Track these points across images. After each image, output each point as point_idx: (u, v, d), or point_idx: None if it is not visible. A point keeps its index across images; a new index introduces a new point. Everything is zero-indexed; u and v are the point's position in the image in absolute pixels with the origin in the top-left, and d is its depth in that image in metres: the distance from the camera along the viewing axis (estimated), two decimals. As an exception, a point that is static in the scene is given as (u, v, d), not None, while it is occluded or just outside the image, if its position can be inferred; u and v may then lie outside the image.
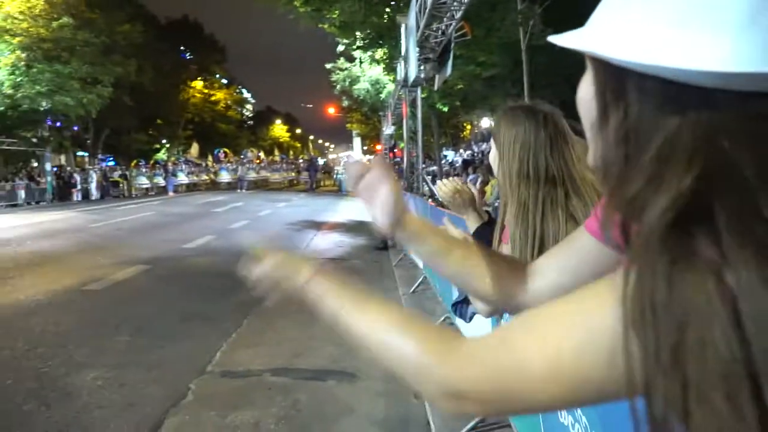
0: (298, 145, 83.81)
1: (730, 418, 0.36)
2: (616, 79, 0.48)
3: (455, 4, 6.72)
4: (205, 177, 34.36)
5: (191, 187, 32.38)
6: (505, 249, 1.41)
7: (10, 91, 19.99)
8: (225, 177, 33.80)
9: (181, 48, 43.77)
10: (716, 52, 0.42)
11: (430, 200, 8.15)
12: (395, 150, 24.37)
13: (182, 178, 31.88)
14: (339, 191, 30.42)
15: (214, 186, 33.53)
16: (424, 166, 17.00)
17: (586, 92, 0.54)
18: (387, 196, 0.87)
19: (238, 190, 31.08)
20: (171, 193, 28.56)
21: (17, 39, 20.11)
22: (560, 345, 0.50)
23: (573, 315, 0.52)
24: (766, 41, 0.41)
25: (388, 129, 22.85)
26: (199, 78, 45.92)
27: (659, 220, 0.42)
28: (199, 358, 4.18)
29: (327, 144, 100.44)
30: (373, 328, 0.65)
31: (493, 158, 1.44)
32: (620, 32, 0.47)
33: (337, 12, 13.60)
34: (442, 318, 4.58)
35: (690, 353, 0.39)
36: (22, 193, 21.50)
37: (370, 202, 0.89)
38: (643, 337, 0.42)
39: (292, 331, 4.72)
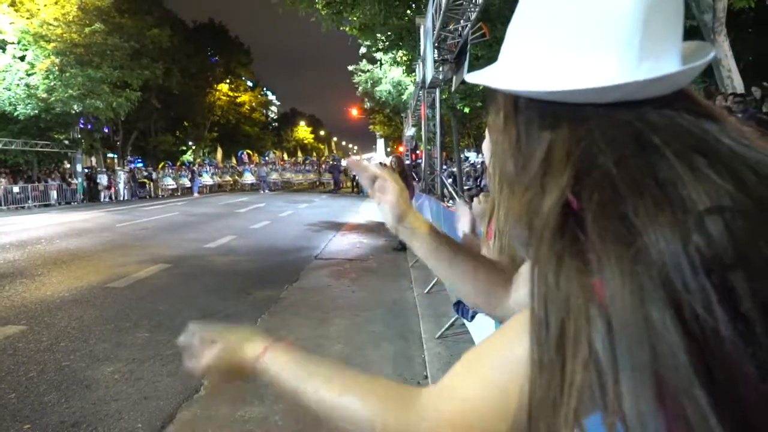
0: (322, 146, 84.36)
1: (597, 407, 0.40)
2: (510, 104, 0.56)
3: (471, 5, 6.72)
4: (228, 178, 34.87)
5: (215, 188, 32.94)
6: (491, 244, 1.43)
7: (44, 95, 20.64)
8: (248, 178, 34.26)
9: (208, 51, 44.49)
10: (598, 71, 0.48)
11: (445, 202, 8.16)
12: (417, 151, 24.34)
13: (207, 180, 32.43)
14: (360, 192, 30.61)
15: (237, 187, 34.04)
16: (445, 167, 16.99)
17: (491, 119, 0.61)
18: (391, 194, 0.91)
19: (261, 191, 31.50)
20: (196, 194, 29.10)
21: (52, 45, 20.77)
22: (491, 383, 0.53)
23: (497, 351, 0.55)
24: (633, 55, 0.47)
25: (409, 130, 22.86)
26: (225, 80, 46.61)
27: (546, 222, 0.46)
28: (213, 354, 4.28)
29: (351, 145, 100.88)
30: (336, 400, 0.63)
31: (485, 150, 1.46)
32: (509, 64, 0.56)
33: (357, 15, 13.69)
34: (454, 318, 4.60)
35: (568, 347, 0.42)
36: (54, 194, 22.20)
37: (380, 201, 0.93)
38: (536, 334, 0.46)
39: (305, 329, 4.79)
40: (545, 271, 0.45)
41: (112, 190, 25.03)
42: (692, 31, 13.00)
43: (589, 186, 0.44)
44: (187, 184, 30.42)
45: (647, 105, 0.48)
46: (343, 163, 36.47)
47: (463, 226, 1.65)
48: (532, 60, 0.53)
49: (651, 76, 0.46)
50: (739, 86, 9.60)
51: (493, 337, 0.57)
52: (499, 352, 0.54)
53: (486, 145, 1.50)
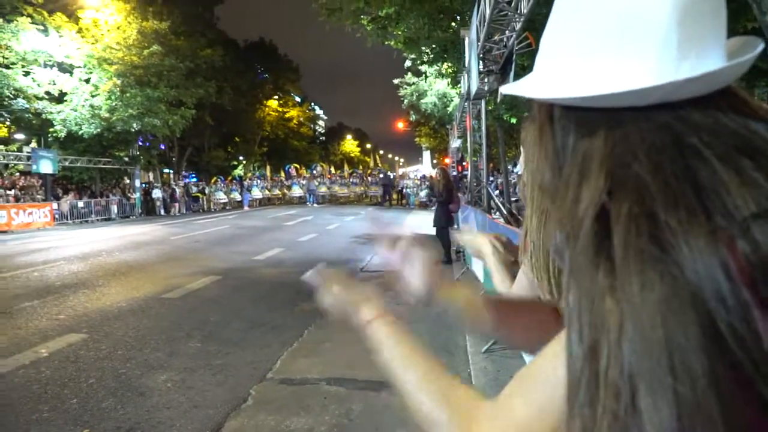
0: (368, 159, 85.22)
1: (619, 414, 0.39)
2: (546, 113, 0.56)
3: (516, 15, 6.65)
4: (277, 192, 35.67)
5: (265, 202, 33.77)
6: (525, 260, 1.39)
7: (106, 115, 21.86)
8: (296, 191, 34.94)
9: (258, 69, 45.95)
10: (635, 73, 0.46)
11: (490, 215, 8.04)
12: (463, 163, 24.20)
13: (256, 193, 33.30)
14: (408, 205, 30.62)
15: (285, 200, 34.77)
16: (491, 179, 16.79)
17: (524, 132, 0.61)
18: (420, 275, 0.87)
19: (308, 204, 32.04)
20: (246, 208, 29.90)
21: (114, 67, 22.01)
22: (542, 405, 0.52)
23: (543, 372, 0.54)
24: (671, 56, 0.45)
25: (454, 142, 22.76)
26: (274, 97, 47.96)
27: (581, 234, 0.45)
28: (261, 364, 4.37)
29: (397, 158, 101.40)
30: (416, 390, 0.68)
31: (521, 164, 1.44)
32: (544, 73, 0.55)
33: (402, 29, 13.82)
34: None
35: (601, 366, 0.41)
36: (114, 208, 23.36)
37: (405, 271, 0.89)
38: (572, 336, 0.44)
39: (350, 342, 4.80)
40: (578, 287, 0.44)
41: (176, 204, 26.10)
42: (755, 33, 12.36)
43: (620, 197, 0.42)
44: (238, 198, 31.34)
45: (689, 105, 0.46)
46: (391, 176, 36.71)
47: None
48: (567, 67, 0.52)
49: (691, 75, 0.44)
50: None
51: (541, 356, 0.56)
52: (545, 373, 0.54)
53: (522, 159, 1.47)
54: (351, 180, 38.05)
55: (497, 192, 15.69)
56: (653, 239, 0.39)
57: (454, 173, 19.50)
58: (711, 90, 0.46)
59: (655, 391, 0.37)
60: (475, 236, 1.44)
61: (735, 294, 0.36)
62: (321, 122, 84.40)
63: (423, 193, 29.62)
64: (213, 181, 32.29)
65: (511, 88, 0.59)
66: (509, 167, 17.65)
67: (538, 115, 0.57)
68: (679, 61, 0.45)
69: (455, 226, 11.19)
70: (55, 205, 20.34)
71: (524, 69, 9.83)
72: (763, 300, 0.36)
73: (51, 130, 21.26)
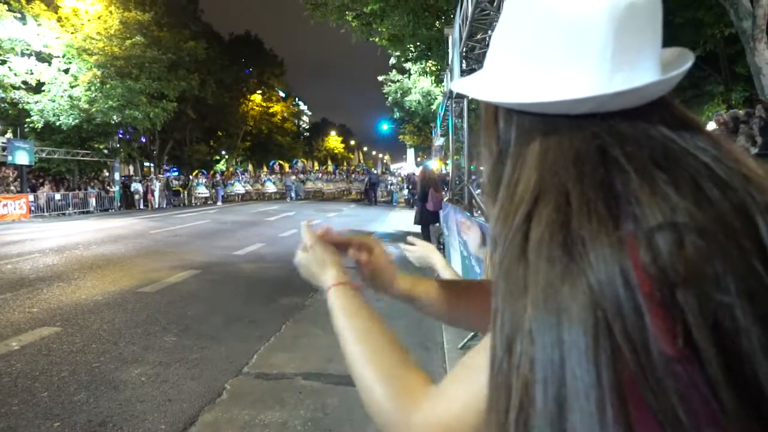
0: (352, 156, 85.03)
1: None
2: (491, 114, 0.57)
3: (498, 15, 6.70)
4: (258, 186, 35.31)
5: (247, 197, 33.45)
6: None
7: (86, 106, 21.46)
8: (270, 188, 34.57)
9: (242, 63, 45.51)
10: (570, 83, 0.48)
11: (472, 215, 8.09)
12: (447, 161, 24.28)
13: (239, 188, 32.95)
14: (391, 202, 30.64)
15: (262, 196, 34.33)
16: (473, 178, 16.86)
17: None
18: (374, 267, 0.90)
19: (288, 200, 31.80)
20: (219, 203, 29.28)
21: (94, 58, 21.62)
22: (478, 391, 0.52)
23: (483, 359, 0.54)
24: (605, 68, 0.47)
25: (438, 140, 22.84)
26: (258, 91, 47.55)
27: (512, 230, 0.46)
28: (237, 359, 4.35)
29: (381, 155, 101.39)
30: (364, 363, 0.66)
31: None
32: (490, 74, 0.56)
33: (386, 26, 13.83)
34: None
35: (512, 366, 0.43)
36: (93, 201, 22.98)
37: (360, 263, 0.91)
38: (496, 330, 0.46)
39: (326, 337, 4.81)
40: (503, 284, 0.45)
41: (150, 197, 25.68)
42: (732, 39, 12.62)
43: (543, 203, 0.44)
44: (221, 192, 30.96)
45: (620, 116, 0.47)
46: (374, 171, 36.68)
47: (472, 248, 1.63)
48: (510, 71, 0.53)
49: (623, 88, 0.46)
50: (780, 95, 9.26)
51: (482, 344, 0.57)
52: (485, 361, 0.54)
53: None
54: (335, 176, 37.97)
55: (479, 191, 15.78)
56: (563, 247, 0.41)
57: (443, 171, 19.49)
58: (641, 102, 0.48)
59: (546, 388, 0.39)
60: (422, 248, 1.45)
61: (632, 302, 0.38)
62: (305, 118, 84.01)
63: (405, 192, 29.68)
64: (195, 174, 31.90)
65: (459, 86, 0.60)
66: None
67: (484, 115, 0.58)
68: (613, 73, 0.46)
69: (437, 224, 11.25)
70: (31, 197, 19.95)
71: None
72: (658, 309, 0.37)
73: (28, 120, 20.81)
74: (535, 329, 0.40)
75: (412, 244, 1.42)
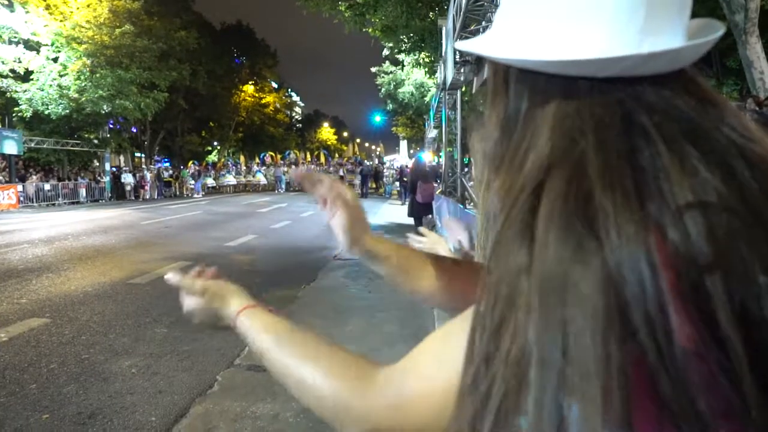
0: (345, 148, 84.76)
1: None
2: (501, 76, 0.52)
3: (491, 6, 6.67)
4: (250, 178, 35.09)
5: (240, 189, 33.26)
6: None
7: (75, 95, 21.22)
8: (261, 180, 34.33)
9: (234, 53, 45.10)
10: (597, 42, 0.44)
11: (464, 205, 8.11)
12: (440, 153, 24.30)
13: (230, 180, 32.72)
14: (383, 194, 30.60)
15: (252, 188, 34.11)
16: (466, 170, 16.89)
17: (473, 137, 0.56)
18: (343, 216, 0.86)
19: (277, 191, 31.60)
20: (197, 194, 28.38)
21: (83, 46, 21.34)
22: (454, 363, 0.49)
23: (462, 332, 0.51)
24: (636, 28, 0.43)
25: (431, 132, 22.82)
26: (250, 82, 47.20)
27: (519, 200, 0.42)
28: (228, 351, 4.33)
29: (374, 147, 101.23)
30: (295, 368, 0.63)
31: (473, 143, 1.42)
32: (503, 32, 0.51)
33: (380, 16, 13.74)
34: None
35: (503, 343, 0.40)
36: (83, 192, 22.77)
37: (331, 216, 0.86)
38: (484, 308, 0.43)
39: (320, 329, 4.79)
40: (499, 260, 0.42)
41: (146, 188, 25.37)
42: (723, 33, 12.65)
43: (559, 171, 0.41)
44: (212, 183, 30.65)
45: (645, 83, 0.44)
46: (366, 163, 36.58)
47: (454, 241, 1.60)
48: (528, 28, 0.48)
49: (654, 50, 0.42)
50: (771, 89, 9.30)
51: (461, 317, 0.54)
52: (463, 333, 0.50)
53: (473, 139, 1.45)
54: (328, 168, 37.85)
55: (471, 183, 15.80)
56: (581, 221, 0.38)
57: (436, 163, 19.48)
58: (670, 69, 0.45)
59: (543, 372, 0.36)
60: (430, 240, 1.41)
61: (655, 287, 0.35)
62: (298, 109, 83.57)
63: (397, 184, 29.65)
64: (188, 165, 31.64)
65: (467, 45, 0.55)
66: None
67: (493, 78, 0.54)
68: (644, 35, 0.43)
69: (430, 216, 11.26)
70: (20, 187, 19.73)
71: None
72: (682, 294, 0.35)
73: (16, 109, 20.56)
74: (537, 308, 0.37)
75: (422, 235, 1.41)
